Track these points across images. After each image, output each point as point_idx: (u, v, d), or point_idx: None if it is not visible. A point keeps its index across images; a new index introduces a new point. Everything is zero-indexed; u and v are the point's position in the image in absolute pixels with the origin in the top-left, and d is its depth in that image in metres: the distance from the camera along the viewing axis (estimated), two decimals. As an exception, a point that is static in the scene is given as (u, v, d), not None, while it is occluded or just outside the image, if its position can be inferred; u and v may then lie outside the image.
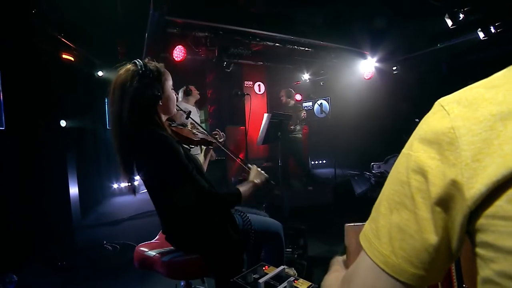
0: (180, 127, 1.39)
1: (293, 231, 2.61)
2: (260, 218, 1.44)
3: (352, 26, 4.37)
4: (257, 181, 1.32)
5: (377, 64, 5.00)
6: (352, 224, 0.68)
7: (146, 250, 1.26)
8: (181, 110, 1.48)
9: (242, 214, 1.34)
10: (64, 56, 3.61)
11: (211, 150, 1.64)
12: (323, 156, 7.41)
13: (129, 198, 5.09)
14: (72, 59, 3.75)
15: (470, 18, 2.84)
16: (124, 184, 5.43)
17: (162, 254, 1.21)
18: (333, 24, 4.40)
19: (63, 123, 3.41)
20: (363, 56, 4.94)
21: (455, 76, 4.42)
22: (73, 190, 3.41)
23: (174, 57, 3.98)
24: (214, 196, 1.11)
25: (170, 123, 1.34)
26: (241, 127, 5.17)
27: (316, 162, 7.37)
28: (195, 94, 3.46)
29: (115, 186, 5.36)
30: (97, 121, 4.82)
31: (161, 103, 1.14)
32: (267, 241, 1.46)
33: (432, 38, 3.96)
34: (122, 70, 1.13)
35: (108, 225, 3.65)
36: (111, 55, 4.44)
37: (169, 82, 1.19)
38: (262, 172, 1.40)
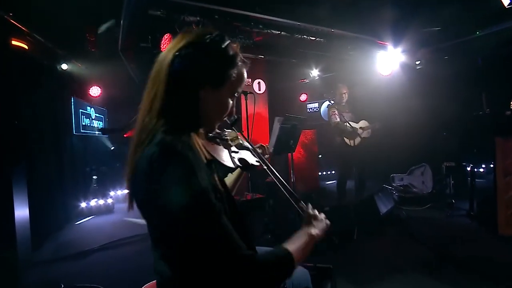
0: (214, 142, 1.02)
1: (316, 272, 2.21)
2: None
3: (370, 12, 4.04)
4: (314, 231, 0.91)
5: (399, 57, 4.72)
6: None
7: None
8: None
9: None
10: (14, 42, 3.16)
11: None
12: (332, 166, 7.01)
13: (100, 221, 4.60)
14: (26, 47, 3.33)
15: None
16: (94, 203, 4.89)
17: None
18: (348, 10, 4.07)
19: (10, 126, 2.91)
20: (383, 48, 4.62)
21: (492, 71, 4.11)
22: (21, 213, 2.87)
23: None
24: (255, 267, 0.70)
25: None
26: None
27: (324, 173, 6.95)
28: None
29: (83, 205, 4.80)
30: (60, 124, 4.36)
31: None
32: None
33: (468, 25, 3.62)
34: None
35: (71, 259, 3.13)
36: (78, 45, 4.10)
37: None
38: (321, 216, 0.96)
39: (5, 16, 2.94)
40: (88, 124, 5.46)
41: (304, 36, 4.29)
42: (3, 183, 2.69)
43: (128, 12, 3.45)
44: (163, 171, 0.67)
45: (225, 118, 0.91)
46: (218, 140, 1.04)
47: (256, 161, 1.15)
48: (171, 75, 0.77)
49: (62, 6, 3.23)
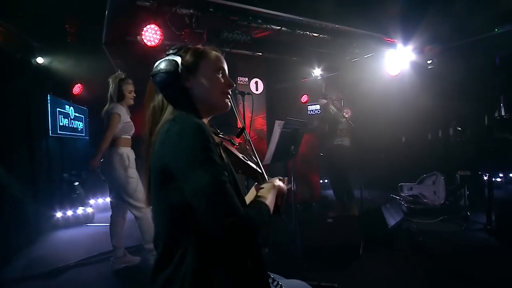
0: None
1: (320, 293, 2.18)
2: (287, 284, 1.22)
3: (378, 7, 4.07)
4: (277, 183, 1.11)
5: (409, 56, 4.74)
6: None
7: None
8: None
9: (273, 282, 1.15)
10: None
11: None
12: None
13: (79, 232, 4.49)
14: (-3, 38, 3.26)
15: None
16: (71, 212, 4.78)
17: None
18: (354, 4, 4.10)
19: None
20: (392, 46, 4.64)
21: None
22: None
23: (145, 41, 3.58)
24: (251, 224, 0.85)
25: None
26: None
27: (326, 181, 6.90)
28: (129, 99, 2.94)
29: (59, 215, 4.67)
30: (34, 124, 4.28)
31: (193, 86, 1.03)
32: None
33: (485, 21, 3.65)
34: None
35: (44, 277, 3.02)
36: (57, 37, 4.11)
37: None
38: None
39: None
40: (67, 125, 5.36)
41: (307, 32, 4.31)
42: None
43: (114, 2, 3.43)
44: (176, 134, 0.85)
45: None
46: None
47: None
48: (157, 82, 0.98)
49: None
